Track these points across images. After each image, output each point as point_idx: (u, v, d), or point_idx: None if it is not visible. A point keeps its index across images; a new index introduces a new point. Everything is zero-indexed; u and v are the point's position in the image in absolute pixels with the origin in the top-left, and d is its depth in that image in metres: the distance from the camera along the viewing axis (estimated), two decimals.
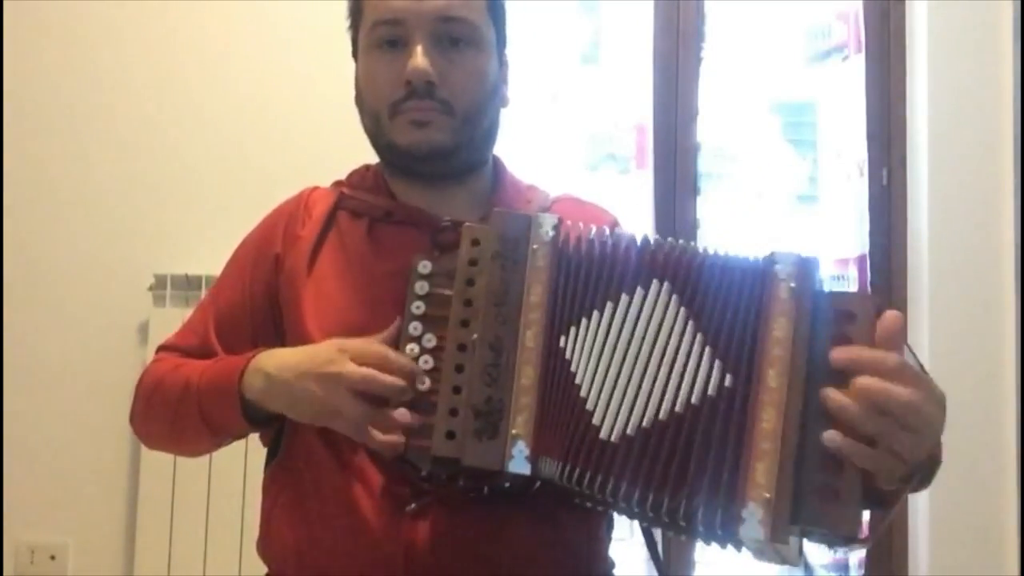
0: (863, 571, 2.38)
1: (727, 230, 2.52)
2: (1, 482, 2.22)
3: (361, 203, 1.25)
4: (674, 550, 2.37)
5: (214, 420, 1.18)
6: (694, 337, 0.98)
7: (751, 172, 2.59)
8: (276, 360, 1.12)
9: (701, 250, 1.03)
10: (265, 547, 1.21)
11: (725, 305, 0.98)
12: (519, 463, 1.00)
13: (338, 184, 1.31)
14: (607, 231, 1.07)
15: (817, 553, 2.44)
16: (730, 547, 0.97)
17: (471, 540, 1.10)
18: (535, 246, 1.06)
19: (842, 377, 0.90)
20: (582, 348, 1.02)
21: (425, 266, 1.10)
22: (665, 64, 2.50)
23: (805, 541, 0.94)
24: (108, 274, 2.30)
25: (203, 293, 1.34)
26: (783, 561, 0.96)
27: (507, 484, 1.05)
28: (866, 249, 2.46)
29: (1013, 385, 2.37)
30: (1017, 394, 2.35)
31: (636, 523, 1.11)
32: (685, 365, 0.98)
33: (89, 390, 2.25)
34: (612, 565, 1.23)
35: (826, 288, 0.98)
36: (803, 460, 0.90)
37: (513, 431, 1.01)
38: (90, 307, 2.29)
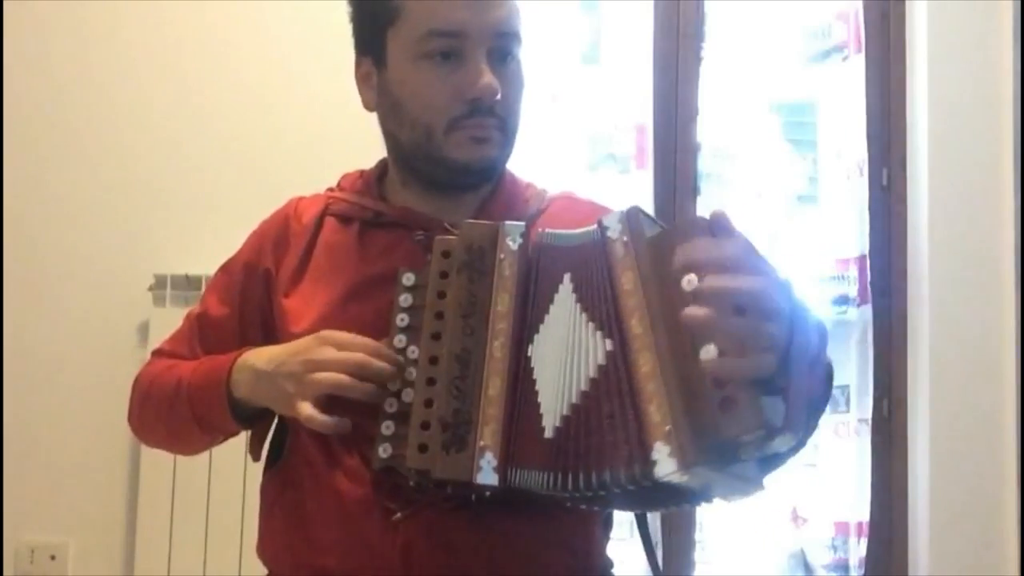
0: (863, 571, 2.38)
1: None
2: (1, 482, 2.22)
3: (350, 206, 1.25)
4: (674, 550, 2.37)
5: (204, 418, 1.19)
6: (581, 317, 1.00)
7: (751, 172, 2.58)
8: (262, 354, 1.14)
9: (555, 232, 1.07)
10: (263, 550, 1.22)
11: (589, 279, 1.01)
12: (487, 475, 1.01)
13: (328, 190, 1.31)
14: (571, 231, 1.07)
15: (817, 553, 2.44)
16: (683, 504, 1.00)
17: (468, 541, 1.10)
18: (502, 255, 1.06)
19: (697, 298, 0.90)
20: (540, 354, 1.03)
21: (409, 278, 1.10)
22: (665, 64, 2.50)
23: (738, 463, 0.92)
24: (108, 274, 2.30)
25: (203, 293, 1.35)
26: (744, 491, 0.97)
27: (487, 493, 1.05)
28: (866, 249, 2.46)
29: (1013, 385, 2.37)
30: (1017, 394, 2.35)
31: (635, 524, 1.11)
32: (582, 345, 0.99)
33: (89, 390, 2.25)
34: (610, 564, 1.23)
35: (656, 231, 1.01)
36: (689, 386, 0.90)
37: (481, 442, 1.01)
38: (90, 307, 2.29)
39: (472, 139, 1.16)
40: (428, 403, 1.04)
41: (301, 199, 1.30)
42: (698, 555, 2.41)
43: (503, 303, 1.05)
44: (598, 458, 0.94)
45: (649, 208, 2.45)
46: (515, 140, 1.21)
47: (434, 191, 1.22)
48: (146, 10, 2.36)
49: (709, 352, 0.88)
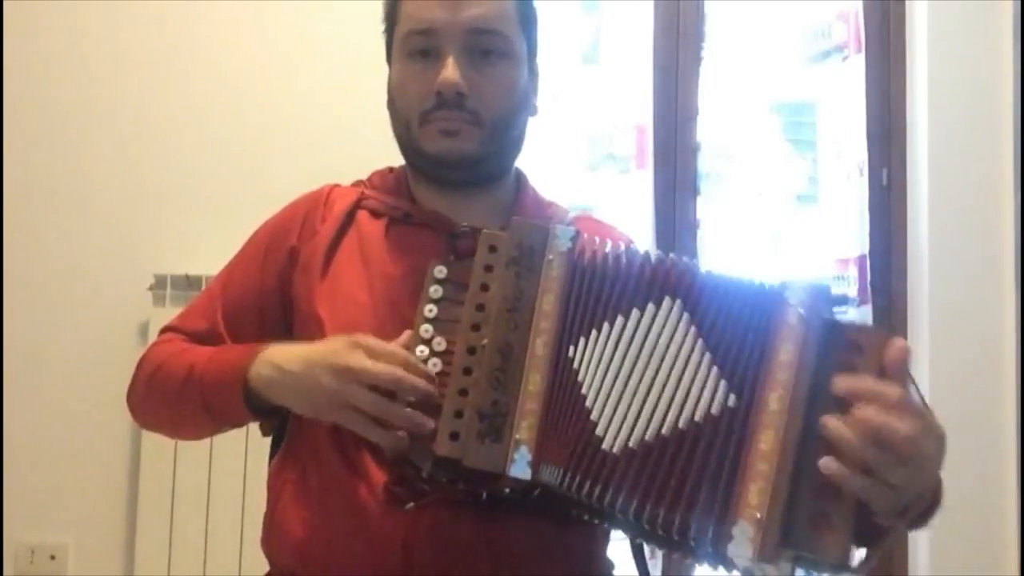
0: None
1: (727, 230, 2.52)
2: (1, 482, 2.22)
3: (381, 203, 1.27)
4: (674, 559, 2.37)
5: (216, 408, 1.18)
6: (702, 356, 0.99)
7: (751, 172, 2.59)
8: (287, 352, 1.13)
9: (714, 270, 1.04)
10: (269, 542, 1.21)
11: (735, 327, 0.99)
12: (520, 467, 1.01)
13: (359, 183, 1.32)
14: (622, 246, 1.09)
15: None
16: (721, 569, 0.98)
17: (470, 539, 1.10)
18: (551, 256, 1.07)
19: (844, 406, 0.91)
20: (590, 359, 1.03)
21: (441, 271, 1.11)
22: (665, 64, 2.50)
23: (796, 569, 0.94)
24: (108, 274, 2.30)
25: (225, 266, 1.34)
26: None
27: (506, 491, 1.05)
28: (866, 249, 2.46)
29: (1013, 385, 2.37)
30: (1017, 394, 2.35)
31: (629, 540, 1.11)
32: (691, 382, 0.99)
33: (89, 390, 2.24)
34: (612, 566, 1.23)
35: (837, 318, 1.00)
36: (798, 485, 0.91)
37: (517, 436, 1.02)
38: (90, 307, 2.29)
39: (441, 132, 1.20)
40: (463, 392, 1.04)
41: (336, 187, 1.31)
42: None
43: (548, 303, 1.06)
44: (673, 499, 0.95)
45: (649, 208, 2.45)
46: (503, 137, 1.23)
47: (439, 187, 1.25)
48: (146, 10, 2.35)
49: (830, 465, 0.88)
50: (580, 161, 2.54)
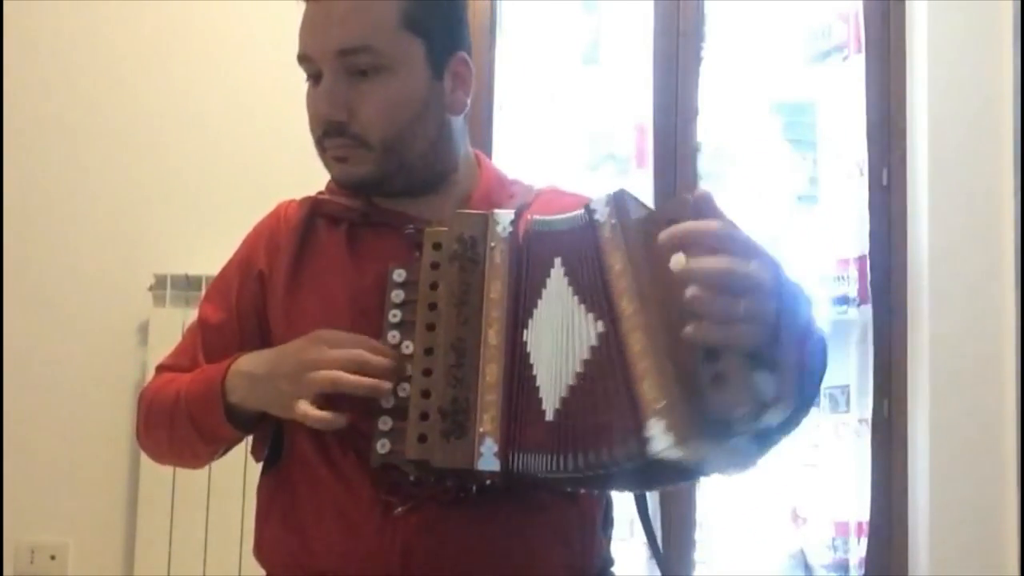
0: (863, 571, 2.38)
1: None
2: (1, 482, 2.23)
3: (338, 206, 1.25)
4: (674, 550, 2.37)
5: (203, 427, 1.19)
6: (573, 299, 1.01)
7: (751, 172, 2.58)
8: (255, 359, 1.15)
9: (546, 218, 1.08)
10: (260, 552, 1.22)
11: (580, 262, 1.02)
12: (488, 460, 1.01)
13: (317, 193, 1.30)
14: (540, 217, 1.09)
15: (817, 553, 2.44)
16: (682, 481, 1.01)
17: (464, 536, 1.10)
18: (492, 243, 1.08)
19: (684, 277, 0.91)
20: (535, 339, 1.04)
21: (400, 274, 1.11)
22: (665, 64, 2.50)
23: (733, 439, 0.93)
24: (108, 274, 2.30)
25: (203, 293, 1.34)
26: (739, 465, 0.97)
27: (488, 482, 1.06)
28: (866, 249, 2.46)
29: (1013, 385, 2.37)
30: (1017, 394, 2.35)
31: (637, 523, 1.11)
32: (574, 328, 1.00)
33: (89, 390, 2.25)
34: (611, 562, 1.23)
35: (644, 211, 1.03)
36: (681, 364, 0.91)
37: (480, 429, 1.02)
38: (90, 307, 2.29)
39: (333, 159, 1.19)
40: (426, 394, 1.05)
41: (290, 202, 1.30)
42: (698, 555, 2.41)
43: (496, 291, 1.06)
44: (595, 438, 0.95)
45: None
46: (401, 153, 1.17)
47: (396, 195, 1.23)
48: (146, 11, 2.36)
49: (690, 329, 0.88)
50: (580, 161, 2.54)
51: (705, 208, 0.94)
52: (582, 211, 1.04)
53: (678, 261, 0.91)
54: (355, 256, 1.21)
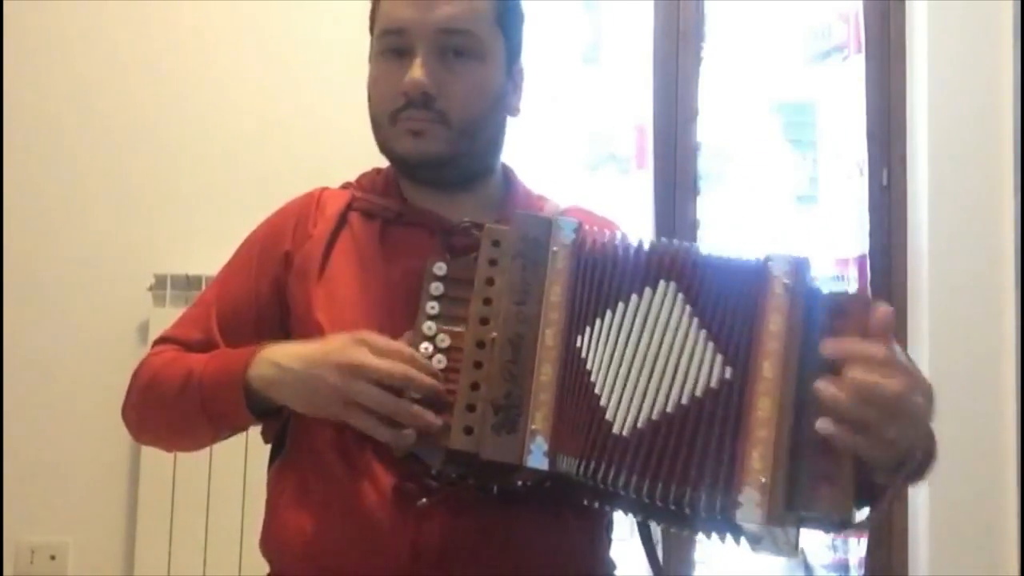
0: (863, 571, 2.38)
1: (727, 230, 2.52)
2: (1, 482, 2.22)
3: (373, 204, 1.26)
4: (674, 551, 2.37)
5: (216, 411, 1.17)
6: (698, 333, 1.02)
7: (751, 172, 2.58)
8: (287, 351, 1.13)
9: (703, 251, 1.07)
10: (268, 544, 1.20)
11: (725, 302, 1.02)
12: (537, 458, 1.02)
13: (348, 185, 1.31)
14: (619, 235, 1.11)
15: (817, 553, 2.44)
16: (729, 538, 1.01)
17: (476, 539, 1.10)
18: (555, 248, 1.09)
19: (834, 369, 0.94)
20: (596, 347, 1.05)
21: (440, 267, 1.11)
22: (665, 64, 2.50)
23: (801, 531, 0.96)
24: (108, 274, 2.30)
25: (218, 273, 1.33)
26: (780, 551, 0.99)
27: (519, 484, 1.06)
28: (866, 249, 2.46)
29: (1013, 385, 2.37)
30: (1017, 394, 2.35)
31: (636, 524, 1.12)
32: (690, 360, 1.01)
33: (89, 390, 2.24)
34: (613, 567, 1.24)
35: (821, 288, 1.03)
36: (797, 447, 0.93)
37: (532, 426, 1.03)
38: (90, 307, 2.29)
39: (408, 132, 1.20)
40: (475, 386, 1.05)
41: (326, 190, 1.31)
42: (698, 555, 2.41)
43: (556, 294, 1.07)
44: (681, 475, 0.97)
45: (649, 208, 2.45)
46: (473, 138, 1.22)
47: (423, 186, 1.25)
48: (146, 11, 2.35)
49: (826, 425, 0.90)
50: (580, 161, 2.54)
51: (882, 325, 0.98)
52: (759, 258, 1.03)
53: (837, 358, 0.93)
54: (386, 250, 1.22)
